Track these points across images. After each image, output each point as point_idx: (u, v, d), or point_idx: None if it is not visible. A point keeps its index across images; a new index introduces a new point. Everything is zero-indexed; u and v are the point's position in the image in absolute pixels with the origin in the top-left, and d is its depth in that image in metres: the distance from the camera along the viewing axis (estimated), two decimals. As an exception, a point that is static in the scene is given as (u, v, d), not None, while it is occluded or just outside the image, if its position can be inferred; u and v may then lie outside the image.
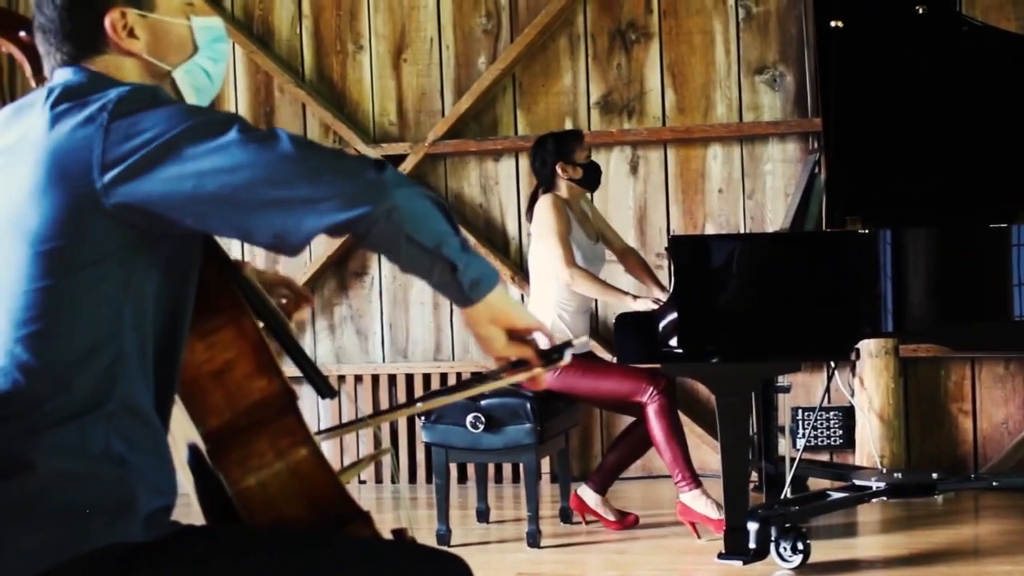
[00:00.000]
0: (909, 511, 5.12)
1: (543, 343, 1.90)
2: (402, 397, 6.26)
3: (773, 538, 4.16)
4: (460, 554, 1.87)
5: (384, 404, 6.25)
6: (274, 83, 6.51)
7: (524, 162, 6.19)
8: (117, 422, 1.73)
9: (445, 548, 1.90)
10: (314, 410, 6.20)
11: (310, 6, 6.50)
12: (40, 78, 2.03)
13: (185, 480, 2.00)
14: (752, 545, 4.13)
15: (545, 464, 5.93)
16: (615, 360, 4.93)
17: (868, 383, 5.62)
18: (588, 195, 5.21)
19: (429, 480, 6.05)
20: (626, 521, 5.00)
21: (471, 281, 1.77)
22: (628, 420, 5.10)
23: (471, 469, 5.75)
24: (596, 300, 5.49)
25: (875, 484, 4.62)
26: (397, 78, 6.42)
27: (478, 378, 2.04)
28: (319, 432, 1.96)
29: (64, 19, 1.83)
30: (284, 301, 2.15)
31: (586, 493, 5.00)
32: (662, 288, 5.02)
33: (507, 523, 5.26)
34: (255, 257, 6.20)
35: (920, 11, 4.46)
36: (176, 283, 1.79)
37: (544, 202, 4.94)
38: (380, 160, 1.74)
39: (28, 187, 1.71)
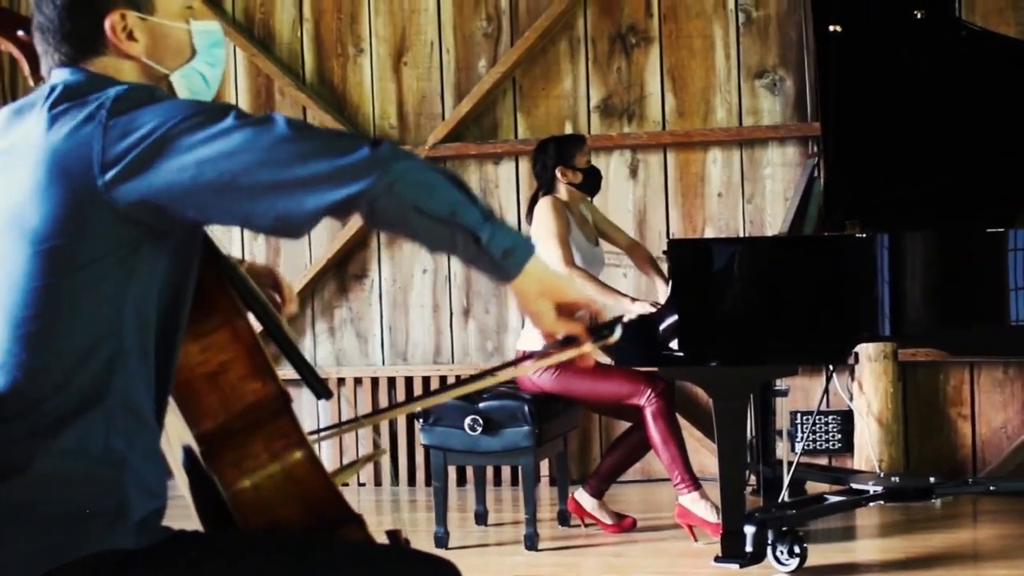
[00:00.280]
0: (907, 515, 5.12)
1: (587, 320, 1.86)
2: (401, 399, 6.26)
3: (770, 541, 4.16)
4: (458, 557, 1.87)
5: (383, 407, 6.25)
6: (275, 86, 6.52)
7: (524, 165, 6.20)
8: (116, 420, 1.73)
9: (435, 552, 1.89)
10: (313, 413, 6.21)
11: (311, 9, 6.51)
12: (38, 77, 2.04)
13: (180, 482, 2.00)
14: (749, 548, 4.14)
15: (545, 467, 5.93)
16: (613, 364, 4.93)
17: (867, 387, 5.63)
18: (589, 198, 5.23)
19: (428, 483, 6.05)
20: (624, 524, 5.01)
21: (502, 251, 1.71)
22: (626, 424, 5.10)
23: (470, 472, 5.76)
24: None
25: (872, 488, 4.62)
26: (397, 81, 6.43)
27: (526, 357, 2.01)
28: (312, 433, 1.96)
29: (63, 19, 1.83)
30: (275, 297, 2.14)
31: (583, 497, 5.00)
32: (667, 281, 5.03)
33: (505, 526, 5.27)
34: (255, 256, 6.21)
35: (919, 16, 4.47)
36: (176, 282, 1.80)
37: (543, 204, 4.95)
38: (378, 137, 1.73)
39: (29, 187, 1.71)
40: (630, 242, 5.31)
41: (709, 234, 6.04)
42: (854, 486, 4.69)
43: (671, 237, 6.00)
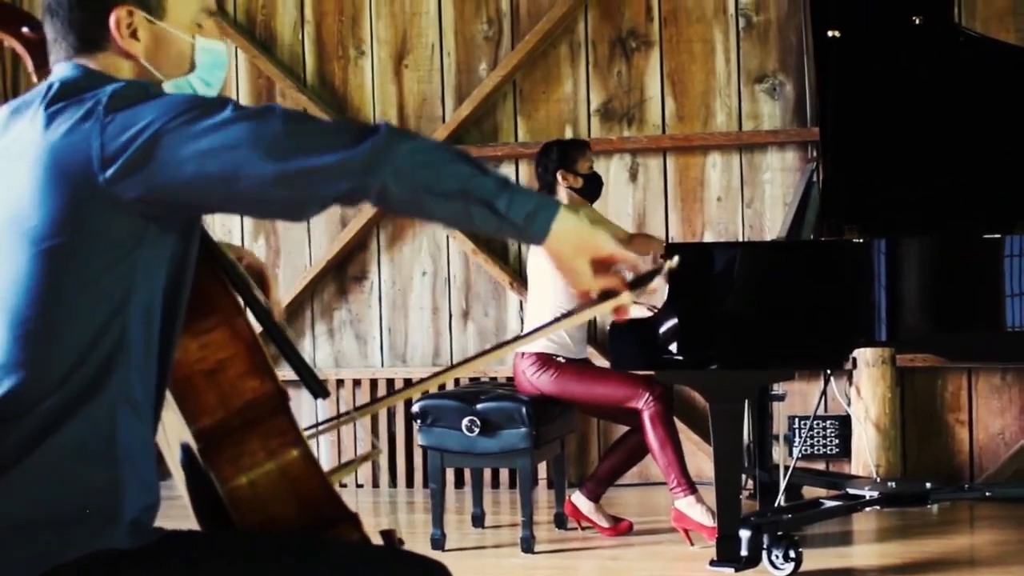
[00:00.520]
0: (904, 521, 5.13)
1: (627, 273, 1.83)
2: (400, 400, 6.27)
3: (765, 546, 4.17)
4: (455, 559, 1.88)
5: (383, 409, 6.25)
6: (276, 88, 6.53)
7: (524, 168, 6.22)
8: (114, 414, 1.73)
9: (429, 553, 1.89)
10: (313, 415, 6.20)
11: (312, 11, 6.52)
12: (41, 73, 2.05)
13: (177, 479, 2.01)
14: (744, 552, 4.14)
15: (543, 470, 5.94)
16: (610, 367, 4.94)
17: (865, 392, 5.63)
18: (590, 205, 5.25)
19: (426, 485, 6.06)
20: (620, 527, 5.01)
21: (525, 216, 1.69)
22: (624, 428, 5.11)
23: (468, 474, 5.77)
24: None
25: (868, 493, 4.63)
26: (398, 84, 6.44)
27: (566, 315, 1.98)
28: (308, 428, 1.97)
29: (72, 5, 1.84)
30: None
31: (580, 500, 5.01)
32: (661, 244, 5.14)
33: (503, 528, 5.27)
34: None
35: (917, 21, 4.48)
36: (175, 276, 1.80)
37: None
38: (377, 123, 1.72)
39: (28, 186, 1.72)
40: (627, 235, 5.34)
41: (708, 238, 6.05)
42: (850, 491, 4.70)
43: (669, 241, 6.01)
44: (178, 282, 1.80)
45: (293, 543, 1.80)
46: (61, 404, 1.70)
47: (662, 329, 4.15)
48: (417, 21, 6.41)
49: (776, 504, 4.69)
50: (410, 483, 6.31)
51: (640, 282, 1.84)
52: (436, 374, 2.10)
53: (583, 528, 5.06)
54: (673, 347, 4.12)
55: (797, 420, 5.89)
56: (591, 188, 5.09)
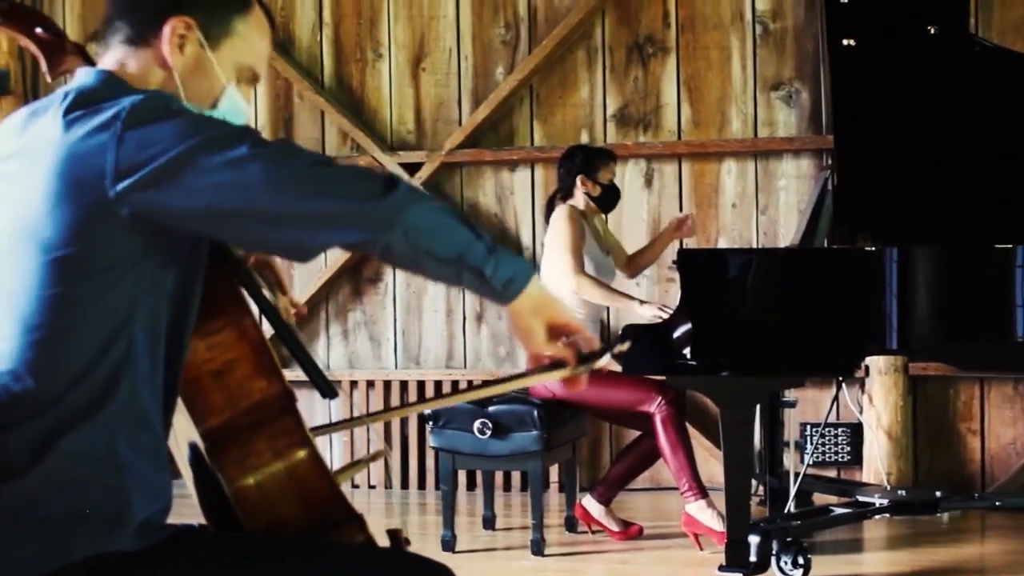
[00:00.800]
0: (914, 529, 5.13)
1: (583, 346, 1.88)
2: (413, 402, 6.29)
3: (774, 552, 4.17)
4: (465, 561, 1.89)
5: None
6: (293, 89, 6.56)
7: (540, 173, 6.24)
8: (121, 424, 1.73)
9: (435, 555, 1.91)
10: (325, 417, 6.24)
11: (331, 14, 6.55)
12: (56, 73, 2.06)
13: (186, 478, 2.03)
14: (753, 558, 4.14)
15: (554, 473, 5.95)
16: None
17: (877, 400, 5.64)
18: (603, 216, 5.27)
19: (438, 487, 6.08)
20: (630, 531, 5.02)
21: (504, 281, 1.76)
22: (636, 433, 5.12)
23: (480, 477, 5.78)
24: (608, 310, 5.53)
25: (878, 501, 4.63)
26: (415, 87, 6.47)
27: (515, 376, 2.04)
28: (315, 429, 1.98)
29: None
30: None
31: (590, 503, 5.02)
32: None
33: (513, 531, 5.29)
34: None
35: (932, 31, 4.48)
36: (185, 287, 1.80)
37: (560, 212, 4.98)
38: (392, 176, 1.74)
39: (41, 194, 1.71)
40: (627, 257, 5.37)
41: (722, 245, 6.06)
42: (860, 498, 4.70)
43: (683, 247, 6.01)
44: (188, 292, 1.81)
45: (297, 544, 1.81)
46: (69, 410, 1.71)
47: (675, 334, 4.16)
48: (435, 24, 6.44)
49: (786, 510, 4.69)
50: (422, 485, 6.33)
51: (590, 358, 1.88)
52: (447, 395, 2.13)
53: (593, 532, 5.07)
54: (686, 352, 4.13)
55: (809, 427, 5.89)
56: (607, 199, 5.10)
